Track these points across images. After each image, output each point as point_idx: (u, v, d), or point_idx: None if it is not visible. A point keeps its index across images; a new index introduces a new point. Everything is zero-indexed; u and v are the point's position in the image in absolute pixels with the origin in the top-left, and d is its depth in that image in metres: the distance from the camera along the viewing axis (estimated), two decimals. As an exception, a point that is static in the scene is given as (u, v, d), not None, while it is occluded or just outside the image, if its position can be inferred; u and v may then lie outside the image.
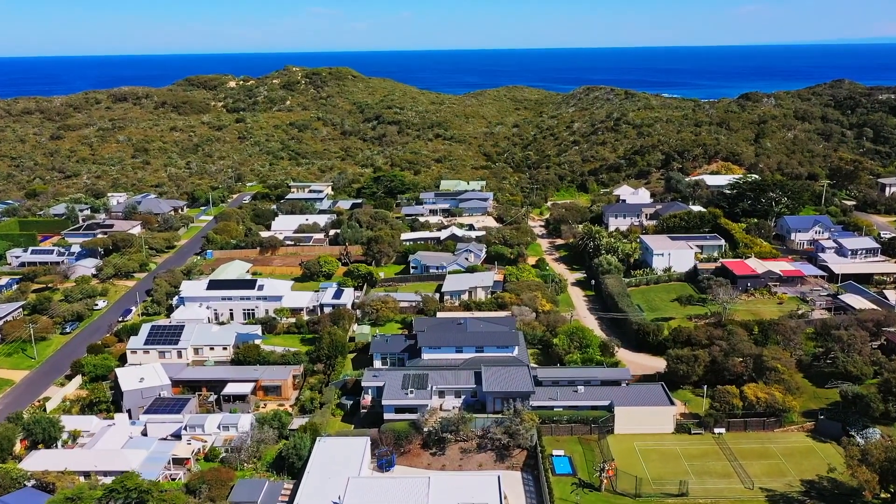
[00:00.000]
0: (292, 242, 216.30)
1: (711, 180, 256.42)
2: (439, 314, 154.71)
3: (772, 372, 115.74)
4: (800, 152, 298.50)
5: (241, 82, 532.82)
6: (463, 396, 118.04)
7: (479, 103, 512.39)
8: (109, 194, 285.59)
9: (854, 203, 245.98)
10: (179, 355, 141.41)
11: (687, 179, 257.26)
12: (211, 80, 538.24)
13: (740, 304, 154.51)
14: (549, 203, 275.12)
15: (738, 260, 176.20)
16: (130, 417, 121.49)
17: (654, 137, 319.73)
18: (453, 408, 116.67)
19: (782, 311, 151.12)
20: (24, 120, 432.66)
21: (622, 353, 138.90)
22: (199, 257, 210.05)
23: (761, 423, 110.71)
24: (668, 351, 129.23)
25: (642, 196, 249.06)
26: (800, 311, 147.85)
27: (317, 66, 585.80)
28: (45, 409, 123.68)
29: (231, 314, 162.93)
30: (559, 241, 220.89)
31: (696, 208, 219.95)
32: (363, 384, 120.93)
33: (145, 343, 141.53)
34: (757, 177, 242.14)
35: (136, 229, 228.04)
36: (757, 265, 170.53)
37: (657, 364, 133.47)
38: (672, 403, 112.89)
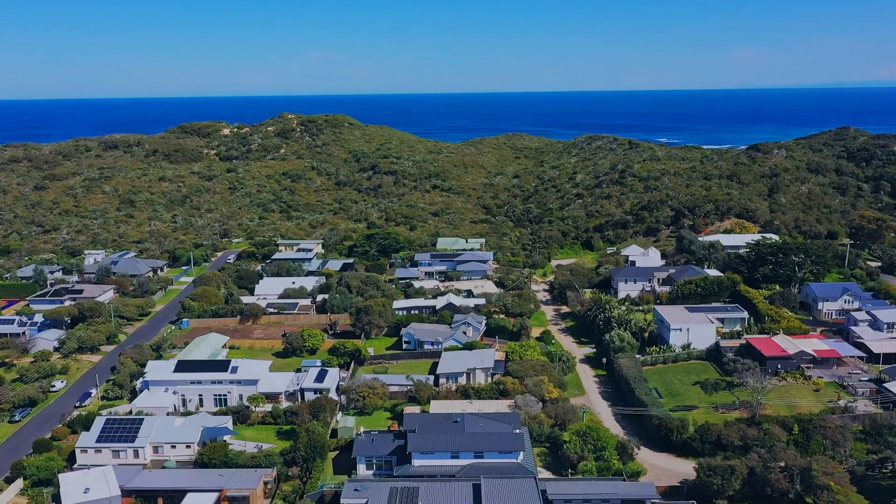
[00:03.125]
0: (275, 310, 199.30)
1: (727, 240, 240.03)
2: (433, 402, 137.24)
3: (824, 491, 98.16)
4: (816, 208, 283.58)
5: (236, 129, 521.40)
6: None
7: (477, 152, 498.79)
8: (86, 252, 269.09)
9: (879, 265, 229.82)
10: (136, 454, 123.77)
11: (701, 239, 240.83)
12: (205, 128, 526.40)
13: (772, 392, 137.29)
14: (553, 262, 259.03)
15: (765, 337, 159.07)
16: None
17: (661, 192, 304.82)
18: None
19: (820, 400, 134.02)
20: (10, 168, 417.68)
21: (643, 454, 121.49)
22: (174, 326, 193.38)
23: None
24: (699, 459, 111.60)
25: (653, 257, 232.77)
26: (842, 403, 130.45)
27: (316, 108, 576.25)
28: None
29: (201, 400, 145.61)
30: (565, 309, 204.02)
31: (713, 272, 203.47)
32: (343, 501, 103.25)
33: (98, 440, 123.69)
34: (776, 237, 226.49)
35: (107, 294, 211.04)
36: (787, 344, 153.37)
37: (683, 468, 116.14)
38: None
